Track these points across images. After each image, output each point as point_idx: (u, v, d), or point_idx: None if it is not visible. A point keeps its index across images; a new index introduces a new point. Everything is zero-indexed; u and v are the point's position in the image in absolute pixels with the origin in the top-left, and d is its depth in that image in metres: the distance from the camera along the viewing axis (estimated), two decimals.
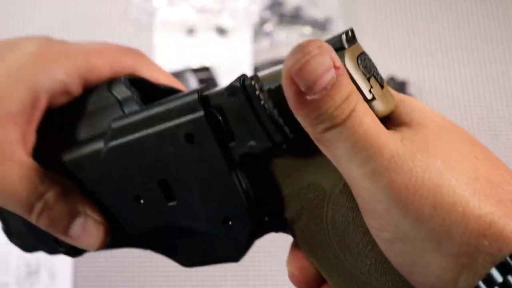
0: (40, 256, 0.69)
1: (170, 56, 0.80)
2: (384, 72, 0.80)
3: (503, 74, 0.81)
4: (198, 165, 0.27)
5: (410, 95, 0.75)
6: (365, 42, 0.82)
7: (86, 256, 0.70)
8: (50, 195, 0.28)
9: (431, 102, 0.79)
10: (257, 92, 0.25)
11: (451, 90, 0.80)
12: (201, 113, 0.26)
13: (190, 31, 0.82)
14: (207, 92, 0.27)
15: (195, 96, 0.27)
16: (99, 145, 0.29)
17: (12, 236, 0.34)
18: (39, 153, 0.30)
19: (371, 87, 0.26)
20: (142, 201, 0.29)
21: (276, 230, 0.29)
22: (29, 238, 0.33)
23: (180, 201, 0.28)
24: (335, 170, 0.24)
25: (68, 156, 0.30)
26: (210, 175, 0.27)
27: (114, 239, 0.32)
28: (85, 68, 0.30)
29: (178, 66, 0.79)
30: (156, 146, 0.27)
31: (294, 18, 0.82)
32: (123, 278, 0.70)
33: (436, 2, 0.85)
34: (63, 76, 0.29)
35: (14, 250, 0.69)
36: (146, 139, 0.27)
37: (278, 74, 0.26)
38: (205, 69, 0.77)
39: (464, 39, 0.83)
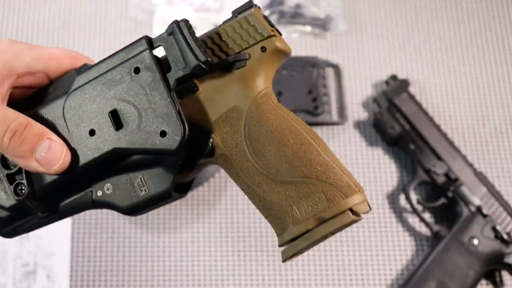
0: (38, 256, 0.68)
1: None
2: (385, 70, 0.80)
3: (505, 73, 0.81)
4: (142, 92, 0.35)
5: (411, 93, 0.74)
6: (366, 40, 0.82)
7: (83, 256, 0.70)
8: (21, 119, 0.34)
9: (433, 101, 0.79)
10: (188, 26, 0.35)
11: (453, 89, 0.80)
12: (146, 50, 0.36)
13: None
14: (152, 38, 0.36)
15: (143, 39, 0.36)
16: (63, 96, 0.36)
17: None
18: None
19: (272, 30, 0.36)
20: (96, 133, 0.35)
21: (205, 156, 0.36)
22: (10, 219, 0.38)
23: (127, 126, 0.35)
24: (246, 93, 0.35)
25: (38, 108, 0.37)
26: (151, 98, 0.34)
27: (69, 172, 0.36)
28: (48, 57, 0.38)
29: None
30: (111, 81, 0.35)
31: (294, 16, 0.82)
32: (118, 278, 0.69)
33: (437, 1, 0.85)
34: (29, 61, 0.37)
35: (11, 251, 0.68)
36: (104, 77, 0.35)
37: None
38: None
39: (465, 38, 0.82)
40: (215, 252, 0.71)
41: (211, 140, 0.36)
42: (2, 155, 0.36)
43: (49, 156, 0.34)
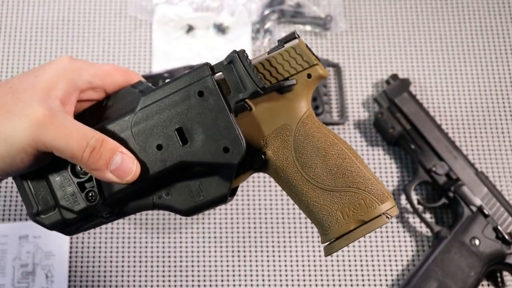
0: (37, 257, 0.68)
1: (169, 53, 0.80)
2: (386, 70, 0.80)
3: (506, 72, 0.80)
4: (205, 112, 0.40)
5: (412, 93, 0.74)
6: (366, 40, 0.82)
7: (82, 256, 0.70)
8: (98, 136, 0.38)
9: (433, 100, 0.78)
10: (246, 55, 0.41)
11: (454, 88, 0.79)
12: (209, 75, 0.40)
13: (189, 29, 0.81)
14: (212, 65, 0.41)
15: (205, 65, 0.41)
16: (131, 114, 0.41)
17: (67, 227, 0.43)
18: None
19: (315, 59, 0.42)
20: (163, 148, 0.40)
21: (257, 167, 0.42)
22: (76, 220, 0.42)
23: (192, 141, 0.40)
24: (294, 113, 0.42)
25: (106, 123, 0.41)
26: (214, 118, 0.39)
27: (138, 182, 0.40)
28: (104, 74, 0.43)
29: (176, 64, 0.78)
30: (176, 103, 0.40)
31: (294, 15, 0.82)
32: (117, 279, 0.69)
33: (438, 0, 0.85)
34: (89, 77, 0.41)
35: (10, 251, 0.68)
36: (170, 99, 0.40)
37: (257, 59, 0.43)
38: None
39: (467, 37, 0.82)
40: (215, 252, 0.70)
41: (263, 154, 0.42)
42: (72, 165, 0.40)
43: (122, 168, 0.38)
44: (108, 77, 0.43)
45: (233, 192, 0.43)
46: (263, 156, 0.42)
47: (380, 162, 0.75)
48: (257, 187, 0.73)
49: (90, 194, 0.40)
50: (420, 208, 0.73)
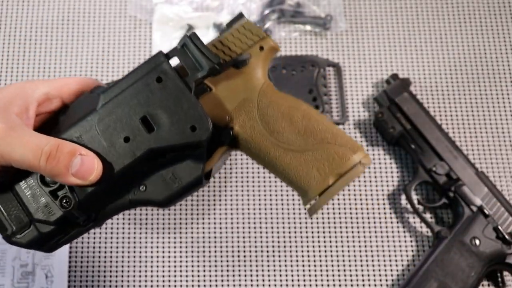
0: (36, 257, 0.68)
1: None
2: (386, 69, 0.80)
3: (507, 72, 0.80)
4: (167, 97, 0.40)
5: (412, 93, 0.74)
6: (366, 39, 0.82)
7: (82, 256, 0.70)
8: (52, 142, 0.38)
9: (434, 100, 0.78)
10: (197, 37, 0.41)
11: (454, 88, 0.79)
12: (164, 61, 0.41)
13: (189, 29, 0.81)
14: (166, 52, 0.42)
15: (159, 53, 0.42)
16: (93, 113, 0.41)
17: (45, 246, 0.42)
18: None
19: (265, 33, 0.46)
20: (130, 139, 0.40)
21: (227, 143, 0.43)
22: (53, 233, 0.41)
23: (158, 128, 0.40)
24: (253, 85, 0.43)
25: (68, 128, 0.41)
26: (176, 101, 0.40)
27: (106, 179, 0.40)
28: (60, 84, 0.43)
29: (176, 63, 0.78)
30: (137, 93, 0.41)
31: (294, 15, 0.82)
32: (117, 279, 0.69)
33: None
34: (44, 89, 0.42)
35: (9, 251, 0.68)
36: (129, 91, 0.41)
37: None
38: None
39: (467, 37, 0.82)
40: (215, 253, 0.70)
41: (231, 129, 0.43)
42: (41, 175, 0.40)
43: (83, 169, 0.38)
44: (63, 86, 0.43)
45: (208, 175, 0.43)
46: (231, 132, 0.43)
47: (380, 162, 0.75)
48: (257, 187, 0.73)
49: (64, 201, 0.39)
50: (420, 208, 0.73)
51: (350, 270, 0.70)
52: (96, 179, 0.39)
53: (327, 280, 0.70)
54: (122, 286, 0.69)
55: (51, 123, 0.44)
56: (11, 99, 0.40)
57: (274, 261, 0.70)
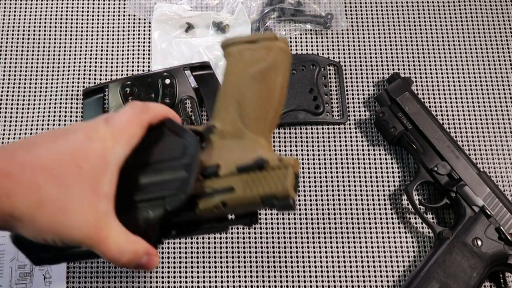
0: None
1: (168, 52, 0.79)
2: (388, 68, 0.79)
3: (509, 71, 0.80)
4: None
5: (414, 92, 0.73)
6: (367, 38, 0.81)
7: None
8: (130, 247, 0.41)
9: (436, 99, 0.78)
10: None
11: (456, 87, 0.79)
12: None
13: (188, 27, 0.80)
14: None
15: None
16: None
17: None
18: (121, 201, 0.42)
19: None
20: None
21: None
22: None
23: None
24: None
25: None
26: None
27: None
28: (132, 140, 0.42)
29: (176, 62, 0.78)
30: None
31: (295, 14, 0.81)
32: (116, 280, 0.69)
33: None
34: (123, 151, 0.41)
35: (7, 252, 0.68)
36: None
37: None
38: (204, 66, 0.76)
39: (469, 36, 0.82)
40: (214, 253, 0.70)
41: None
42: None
43: (145, 265, 0.42)
44: (135, 140, 0.43)
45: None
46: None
47: (381, 161, 0.75)
48: None
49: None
50: (422, 208, 0.72)
51: (351, 271, 0.70)
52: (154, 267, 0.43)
53: (328, 282, 0.69)
54: (121, 287, 0.68)
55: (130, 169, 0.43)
56: (100, 178, 0.39)
57: (274, 262, 0.70)
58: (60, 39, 0.80)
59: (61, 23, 0.81)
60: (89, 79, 0.78)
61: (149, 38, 0.80)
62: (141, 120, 0.42)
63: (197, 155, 0.42)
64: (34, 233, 0.38)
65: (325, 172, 0.74)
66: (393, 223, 0.72)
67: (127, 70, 0.78)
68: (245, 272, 0.69)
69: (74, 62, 0.79)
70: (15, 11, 0.81)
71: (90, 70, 0.78)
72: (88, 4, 0.82)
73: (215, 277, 0.69)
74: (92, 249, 0.39)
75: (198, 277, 0.69)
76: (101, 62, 0.79)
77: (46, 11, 0.82)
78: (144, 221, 0.41)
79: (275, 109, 0.47)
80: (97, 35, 0.80)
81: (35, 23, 0.81)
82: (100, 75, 0.78)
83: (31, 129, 0.75)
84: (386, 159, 0.75)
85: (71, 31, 0.81)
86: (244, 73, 0.47)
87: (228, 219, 0.46)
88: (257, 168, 0.42)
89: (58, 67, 0.78)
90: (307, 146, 0.75)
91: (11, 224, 0.38)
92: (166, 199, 0.41)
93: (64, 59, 0.79)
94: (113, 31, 0.81)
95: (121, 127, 0.41)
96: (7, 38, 0.80)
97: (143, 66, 0.79)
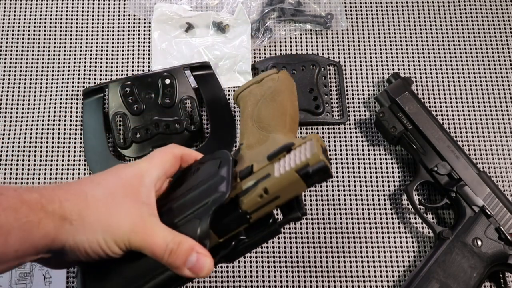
0: None
1: (168, 52, 0.79)
2: (388, 68, 0.79)
3: (509, 71, 0.80)
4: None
5: (414, 92, 0.73)
6: (367, 38, 0.81)
7: None
8: (176, 239, 0.43)
9: (435, 99, 0.78)
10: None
11: (456, 87, 0.79)
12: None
13: (188, 27, 0.80)
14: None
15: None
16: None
17: None
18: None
19: None
20: None
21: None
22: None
23: None
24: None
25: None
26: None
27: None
28: (165, 166, 0.49)
29: (176, 62, 0.78)
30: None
31: (295, 14, 0.81)
32: None
33: None
34: (157, 173, 0.47)
35: None
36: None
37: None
38: (204, 66, 0.76)
39: (469, 36, 0.82)
40: None
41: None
42: None
43: (197, 266, 0.43)
44: (170, 168, 0.49)
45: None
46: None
47: (381, 161, 0.75)
48: None
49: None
50: (422, 208, 0.72)
51: (351, 271, 0.70)
52: (207, 275, 0.44)
53: (328, 282, 0.69)
54: None
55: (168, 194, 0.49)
56: (136, 186, 0.45)
57: (274, 261, 0.70)
58: (60, 39, 0.80)
59: (61, 23, 0.81)
60: (89, 79, 0.78)
61: (149, 38, 0.80)
62: (173, 151, 0.49)
63: (229, 156, 0.47)
64: (85, 234, 0.41)
65: None
66: (393, 223, 0.72)
67: (127, 70, 0.78)
68: (245, 272, 0.69)
69: (74, 62, 0.79)
70: (15, 11, 0.81)
71: (90, 70, 0.78)
72: (88, 4, 0.82)
73: (215, 277, 0.69)
74: (140, 247, 0.42)
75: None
76: (101, 62, 0.79)
77: (46, 11, 0.82)
78: (194, 229, 0.43)
79: (289, 116, 0.53)
80: (97, 35, 0.80)
81: (35, 23, 0.81)
82: (100, 75, 0.78)
83: (31, 129, 0.75)
84: (386, 159, 0.75)
85: (71, 31, 0.81)
86: (257, 101, 0.54)
87: (276, 220, 0.47)
88: (286, 151, 0.44)
89: (58, 67, 0.78)
90: None
91: (63, 230, 0.41)
92: (210, 202, 0.44)
93: (64, 59, 0.79)
94: (113, 31, 0.81)
95: (154, 155, 0.49)
96: (7, 38, 0.80)
97: (143, 66, 0.79)
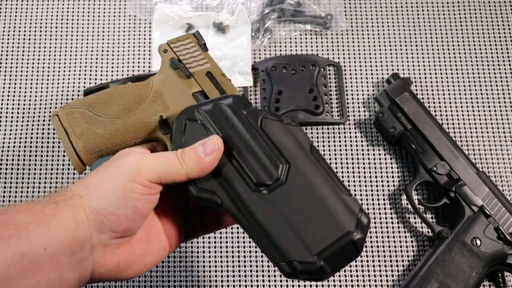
0: None
1: None
2: (387, 69, 0.80)
3: (508, 71, 0.80)
4: None
5: (413, 92, 0.73)
6: (367, 38, 0.82)
7: None
8: (175, 149, 0.46)
9: (435, 100, 0.78)
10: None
11: (455, 87, 0.79)
12: None
13: (189, 28, 0.80)
14: None
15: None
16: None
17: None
18: None
19: None
20: None
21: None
22: None
23: None
24: None
25: None
26: None
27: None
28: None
29: None
30: None
31: (295, 14, 0.81)
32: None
33: None
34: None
35: None
36: None
37: None
38: None
39: (468, 36, 0.82)
40: (215, 253, 0.70)
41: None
42: None
43: (208, 147, 0.44)
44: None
45: None
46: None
47: (380, 161, 0.75)
48: None
49: None
50: (421, 208, 0.72)
51: (351, 271, 0.70)
52: (222, 146, 0.45)
53: (328, 281, 0.69)
54: (121, 286, 0.69)
55: None
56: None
57: None
58: (61, 39, 0.80)
59: (61, 24, 0.81)
60: (90, 79, 0.78)
61: (150, 39, 0.80)
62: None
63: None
64: (98, 198, 0.41)
65: None
66: (392, 222, 0.72)
67: (128, 70, 0.79)
68: (245, 272, 0.69)
69: (75, 62, 0.79)
70: (16, 12, 0.82)
71: (91, 70, 0.78)
72: (89, 5, 0.82)
73: (215, 276, 0.69)
74: (156, 172, 0.42)
75: (198, 276, 0.69)
76: (102, 62, 0.79)
77: (47, 12, 0.82)
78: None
79: None
80: (98, 35, 0.81)
81: (36, 24, 0.81)
82: (101, 75, 0.78)
83: (32, 129, 0.75)
84: (385, 159, 0.75)
85: (72, 31, 0.81)
86: None
87: None
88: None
89: (59, 67, 0.79)
90: None
91: (77, 209, 0.40)
92: None
93: (65, 59, 0.79)
94: (113, 31, 0.81)
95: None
96: (8, 39, 0.80)
97: (144, 66, 0.79)
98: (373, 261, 0.70)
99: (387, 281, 0.70)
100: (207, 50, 0.54)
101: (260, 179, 0.44)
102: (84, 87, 0.77)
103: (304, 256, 0.42)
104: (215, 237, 0.71)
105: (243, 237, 0.71)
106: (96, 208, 0.40)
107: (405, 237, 0.71)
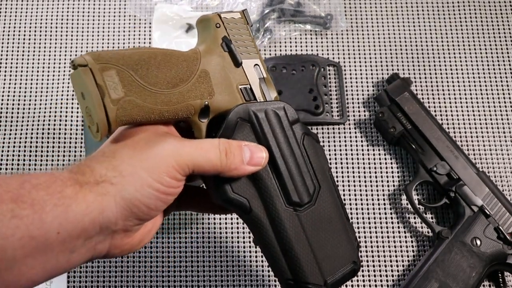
0: None
1: None
2: (387, 69, 0.80)
3: (508, 71, 0.80)
4: None
5: (413, 92, 0.73)
6: (367, 38, 0.82)
7: None
8: (222, 140, 0.42)
9: (435, 100, 0.78)
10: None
11: (455, 87, 0.79)
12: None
13: (189, 28, 0.80)
14: None
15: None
16: None
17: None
18: None
19: None
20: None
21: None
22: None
23: None
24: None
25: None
26: None
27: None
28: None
29: None
30: None
31: (295, 14, 0.81)
32: (116, 279, 0.69)
33: None
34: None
35: None
36: None
37: None
38: None
39: (468, 36, 0.82)
40: (214, 253, 0.70)
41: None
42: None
43: (254, 157, 0.43)
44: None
45: None
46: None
47: (380, 161, 0.75)
48: None
49: None
50: (421, 208, 0.72)
51: None
52: (266, 161, 0.43)
53: None
54: (121, 286, 0.69)
55: None
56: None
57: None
58: (61, 39, 0.80)
59: (61, 24, 0.81)
60: None
61: (150, 39, 0.80)
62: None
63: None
64: (130, 185, 0.39)
65: None
66: (392, 222, 0.72)
67: None
68: (245, 271, 0.70)
69: None
70: (16, 12, 0.82)
71: None
72: (89, 5, 0.82)
73: (215, 275, 0.69)
74: (193, 162, 0.40)
75: (198, 276, 0.69)
76: None
77: (47, 12, 0.82)
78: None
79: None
80: (98, 35, 0.81)
81: (36, 24, 0.81)
82: None
83: (32, 129, 0.75)
84: (385, 159, 0.75)
85: (72, 31, 0.81)
86: None
87: None
88: None
89: (59, 67, 0.79)
90: None
91: (106, 196, 0.38)
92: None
93: (65, 59, 0.79)
94: (113, 31, 0.81)
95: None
96: (8, 39, 0.80)
97: None
98: (373, 261, 0.70)
99: (387, 281, 0.70)
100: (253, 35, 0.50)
101: (297, 199, 0.45)
102: None
103: (316, 280, 0.45)
104: (215, 237, 0.71)
105: (243, 237, 0.71)
106: (129, 197, 0.38)
107: (405, 237, 0.71)
